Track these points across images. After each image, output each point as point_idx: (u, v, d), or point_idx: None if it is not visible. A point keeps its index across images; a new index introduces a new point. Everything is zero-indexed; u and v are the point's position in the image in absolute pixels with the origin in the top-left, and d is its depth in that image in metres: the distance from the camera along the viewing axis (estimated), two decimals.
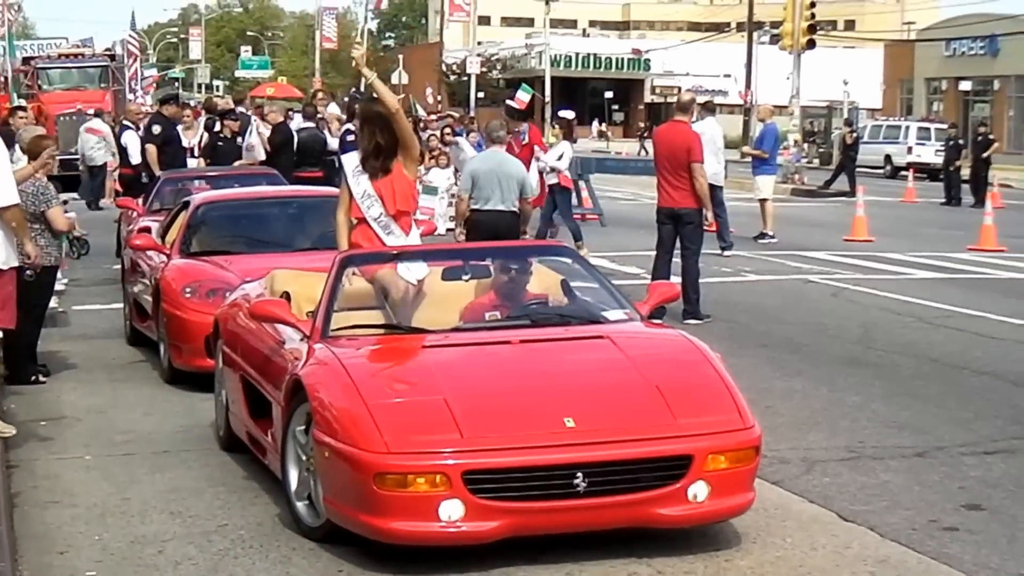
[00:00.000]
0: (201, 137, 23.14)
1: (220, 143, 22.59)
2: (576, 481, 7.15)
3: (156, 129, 22.01)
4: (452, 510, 7.08)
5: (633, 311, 8.90)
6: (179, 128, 22.36)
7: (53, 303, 14.67)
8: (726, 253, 22.68)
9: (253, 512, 8.46)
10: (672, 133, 16.21)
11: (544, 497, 7.18)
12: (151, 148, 21.59)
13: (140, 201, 19.56)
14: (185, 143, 22.30)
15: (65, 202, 13.47)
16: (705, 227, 16.37)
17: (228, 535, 8.00)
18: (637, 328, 8.76)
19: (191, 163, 23.03)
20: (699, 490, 7.39)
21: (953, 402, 11.87)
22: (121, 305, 15.78)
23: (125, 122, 24.25)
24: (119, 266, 17.57)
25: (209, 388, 10.87)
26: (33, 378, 12.57)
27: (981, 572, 7.40)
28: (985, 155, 38.75)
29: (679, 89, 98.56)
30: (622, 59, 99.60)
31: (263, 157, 22.46)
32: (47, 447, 10.27)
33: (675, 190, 15.86)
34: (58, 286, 17.31)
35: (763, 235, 25.78)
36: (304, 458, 7.92)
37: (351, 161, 10.26)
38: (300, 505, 7.97)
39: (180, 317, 12.57)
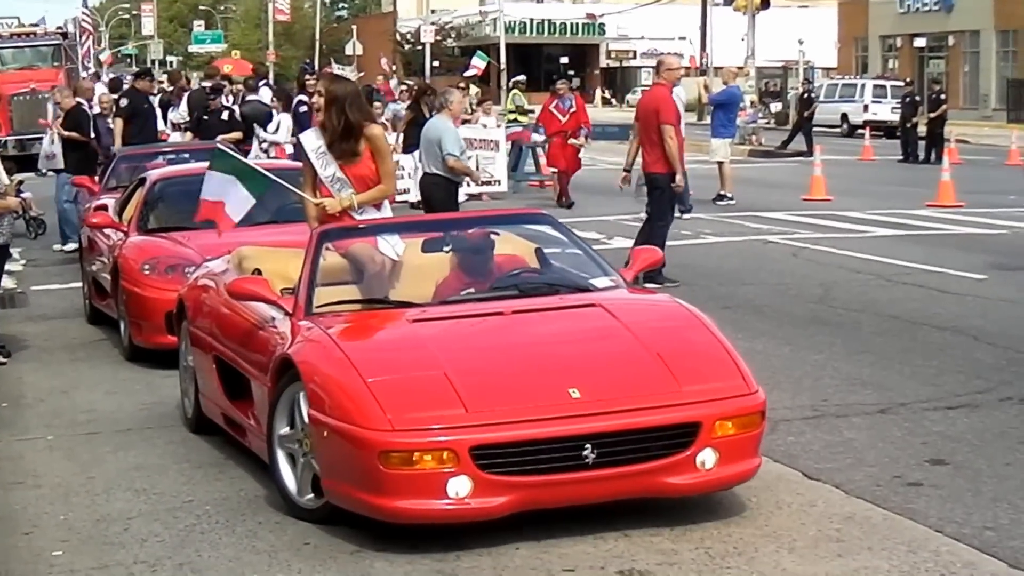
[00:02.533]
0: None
1: (206, 117, 22.60)
2: (585, 453, 7.06)
3: (123, 102, 21.98)
4: (460, 486, 6.94)
5: (618, 277, 8.76)
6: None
7: (11, 283, 14.58)
8: (685, 216, 22.68)
9: (218, 487, 8.43)
10: (646, 96, 16.64)
11: (553, 470, 7.06)
12: (119, 122, 21.49)
13: (96, 179, 19.47)
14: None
15: (20, 183, 13.34)
16: (674, 188, 16.44)
17: (193, 511, 7.97)
18: (627, 295, 8.64)
19: (175, 137, 23.42)
20: (707, 457, 7.32)
21: (915, 358, 11.92)
22: (80, 284, 15.70)
23: (77, 99, 23.98)
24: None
25: (171, 365, 10.80)
26: None
27: (946, 526, 7.43)
28: (934, 115, 38.87)
29: (634, 53, 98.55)
30: (576, 24, 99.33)
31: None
32: (9, 428, 10.23)
33: (647, 153, 16.01)
34: (16, 267, 17.23)
35: (722, 197, 25.81)
36: (300, 434, 7.67)
37: (311, 142, 9.59)
38: (293, 485, 7.77)
39: (139, 294, 12.52)
